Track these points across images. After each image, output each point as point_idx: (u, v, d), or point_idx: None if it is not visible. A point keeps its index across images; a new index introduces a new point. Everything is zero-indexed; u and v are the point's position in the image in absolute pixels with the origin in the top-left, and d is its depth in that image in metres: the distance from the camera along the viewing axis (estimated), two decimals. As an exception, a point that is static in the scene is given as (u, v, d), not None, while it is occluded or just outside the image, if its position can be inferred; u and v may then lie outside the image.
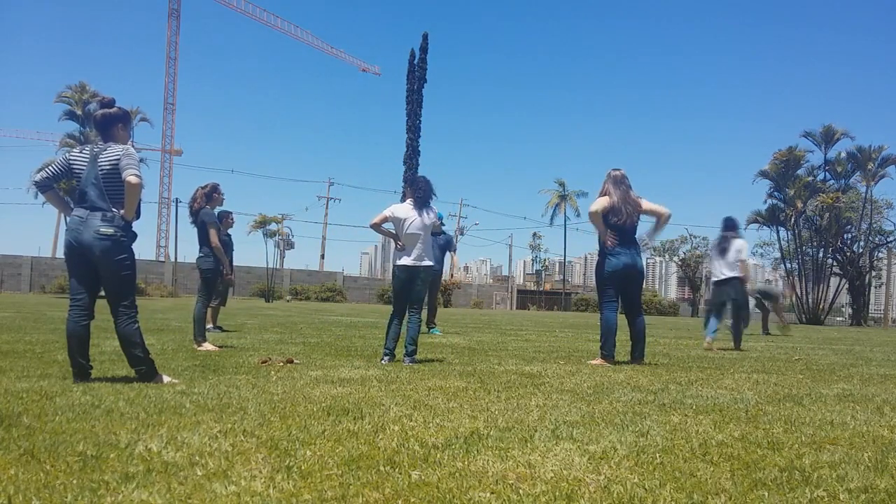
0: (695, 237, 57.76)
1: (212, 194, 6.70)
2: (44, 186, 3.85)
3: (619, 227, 5.82)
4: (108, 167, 3.73)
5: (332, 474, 2.04)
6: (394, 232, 5.60)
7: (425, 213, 5.60)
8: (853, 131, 47.62)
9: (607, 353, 5.81)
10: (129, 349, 3.87)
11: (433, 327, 10.30)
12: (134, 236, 3.86)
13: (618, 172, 5.99)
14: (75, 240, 3.72)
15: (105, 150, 3.79)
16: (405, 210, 5.57)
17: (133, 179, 3.68)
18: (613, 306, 5.91)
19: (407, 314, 5.71)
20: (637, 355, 6.01)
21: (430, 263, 5.64)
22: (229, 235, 8.81)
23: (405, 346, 5.58)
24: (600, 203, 5.86)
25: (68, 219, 3.82)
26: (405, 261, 5.56)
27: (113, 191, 3.74)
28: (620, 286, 5.95)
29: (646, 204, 5.98)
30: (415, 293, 5.66)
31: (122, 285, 3.83)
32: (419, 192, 5.63)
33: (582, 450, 2.45)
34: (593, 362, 5.87)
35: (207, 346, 6.27)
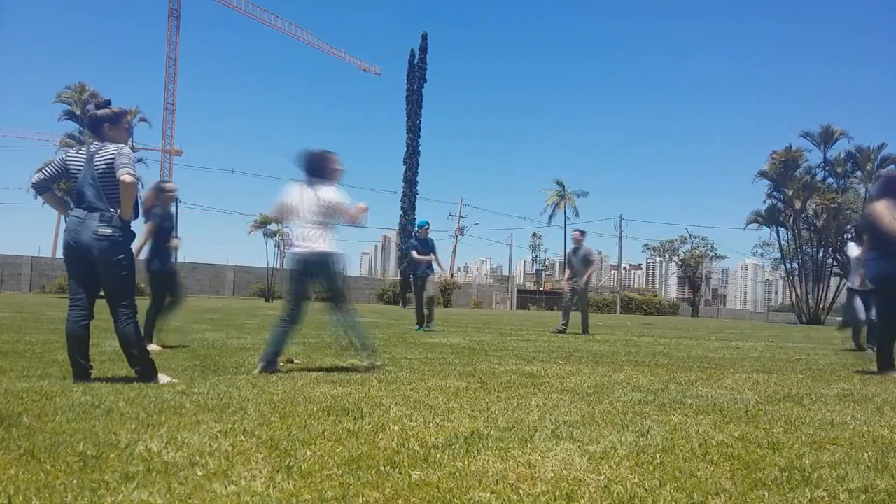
0: (694, 237, 57.89)
1: (159, 193, 6.49)
2: (41, 188, 3.84)
3: None
4: (103, 167, 3.71)
5: (332, 474, 2.04)
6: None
7: (317, 192, 4.74)
8: (852, 131, 47.81)
9: None
10: (128, 349, 3.87)
11: (420, 327, 10.38)
12: (133, 236, 3.85)
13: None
14: (74, 240, 3.72)
15: (100, 149, 3.77)
16: (294, 194, 4.78)
17: (127, 178, 3.66)
18: None
19: (339, 315, 4.91)
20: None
21: (326, 249, 4.71)
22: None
23: (358, 343, 4.99)
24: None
25: (67, 219, 3.82)
26: (295, 248, 4.78)
27: (110, 191, 3.72)
28: None
29: None
30: (326, 287, 4.82)
31: (120, 285, 3.82)
32: (302, 166, 4.82)
33: (582, 450, 2.45)
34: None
35: (152, 346, 6.00)
